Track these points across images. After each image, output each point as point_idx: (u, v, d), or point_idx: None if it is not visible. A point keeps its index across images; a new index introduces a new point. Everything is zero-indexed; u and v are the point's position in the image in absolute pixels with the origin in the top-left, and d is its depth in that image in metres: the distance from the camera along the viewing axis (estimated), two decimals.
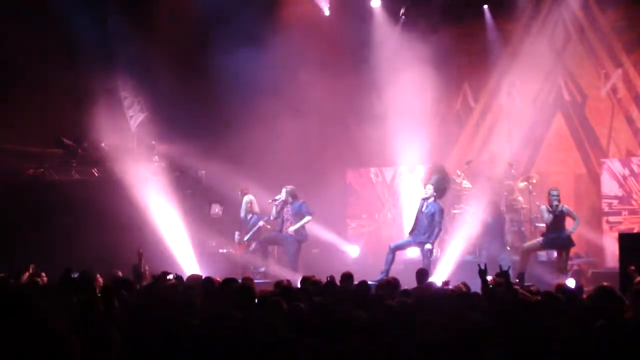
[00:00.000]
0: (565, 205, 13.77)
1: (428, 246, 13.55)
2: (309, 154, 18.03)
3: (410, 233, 14.07)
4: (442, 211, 13.87)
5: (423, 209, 13.81)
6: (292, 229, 14.54)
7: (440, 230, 13.90)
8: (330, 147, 18.83)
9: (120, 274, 11.13)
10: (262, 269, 14.00)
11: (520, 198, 16.25)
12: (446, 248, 14.96)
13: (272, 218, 15.00)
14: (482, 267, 8.52)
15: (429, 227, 13.68)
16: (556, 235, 13.52)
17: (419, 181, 15.88)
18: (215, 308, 7.30)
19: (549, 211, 13.57)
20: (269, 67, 17.63)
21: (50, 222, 15.20)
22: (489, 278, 9.47)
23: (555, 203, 13.57)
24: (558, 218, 13.56)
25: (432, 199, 13.80)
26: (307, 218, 14.68)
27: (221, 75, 17.84)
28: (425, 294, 8.30)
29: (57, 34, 16.92)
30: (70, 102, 16.98)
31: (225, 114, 17.98)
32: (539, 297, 7.91)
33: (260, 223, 15.13)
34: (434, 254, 14.24)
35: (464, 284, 10.16)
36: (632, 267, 10.43)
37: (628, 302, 7.12)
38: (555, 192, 13.68)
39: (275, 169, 16.77)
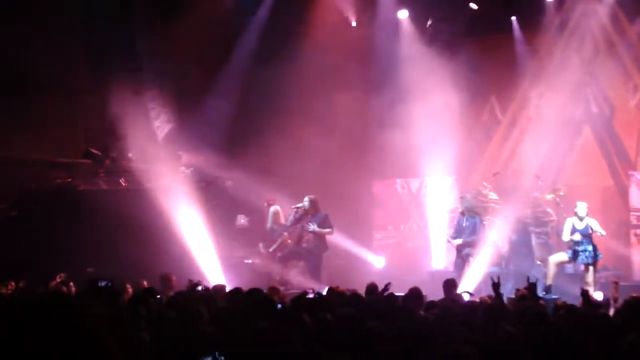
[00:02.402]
0: (594, 220, 13.66)
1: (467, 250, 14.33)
2: (335, 165, 18.01)
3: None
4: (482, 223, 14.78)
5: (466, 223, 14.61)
6: (312, 227, 14.54)
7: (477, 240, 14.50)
8: (356, 158, 18.79)
9: (145, 283, 11.17)
10: (282, 286, 13.90)
11: (548, 210, 16.17)
12: (472, 260, 14.96)
13: (288, 224, 15.01)
14: (496, 280, 8.52)
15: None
16: (583, 249, 13.44)
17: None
18: (239, 318, 7.30)
19: (576, 225, 13.51)
20: (295, 78, 17.65)
21: (78, 232, 15.30)
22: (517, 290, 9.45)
23: (583, 217, 13.52)
24: (583, 232, 13.48)
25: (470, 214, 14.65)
26: (329, 230, 14.72)
27: (248, 87, 17.92)
28: (452, 306, 8.27)
29: (87, 46, 17.06)
30: (98, 113, 17.09)
31: (251, 125, 18.04)
32: (565, 310, 7.86)
33: (285, 234, 15.13)
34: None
35: (490, 297, 10.12)
36: None
37: None
38: (583, 206, 13.62)
39: (301, 180, 16.76)
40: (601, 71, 17.58)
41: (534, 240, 15.96)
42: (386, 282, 10.18)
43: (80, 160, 16.65)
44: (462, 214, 14.69)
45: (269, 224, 15.60)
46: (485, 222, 15.32)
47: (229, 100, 17.91)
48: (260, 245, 15.47)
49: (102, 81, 17.14)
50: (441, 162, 17.57)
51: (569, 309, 8.10)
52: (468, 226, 14.38)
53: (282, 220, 15.50)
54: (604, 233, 13.57)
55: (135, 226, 14.77)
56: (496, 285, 8.54)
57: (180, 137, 17.71)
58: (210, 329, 6.75)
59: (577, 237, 13.49)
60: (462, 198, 14.94)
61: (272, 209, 15.68)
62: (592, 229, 13.48)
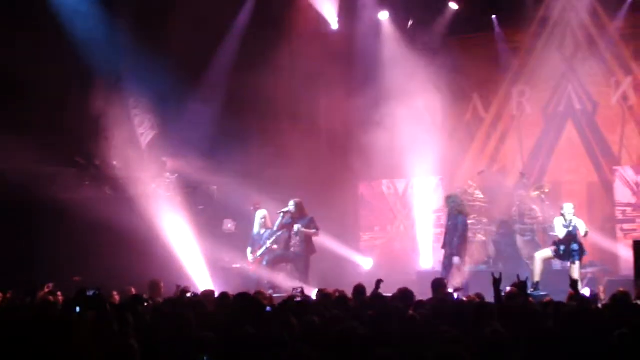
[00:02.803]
0: (580, 220, 13.66)
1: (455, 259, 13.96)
2: (321, 167, 18.02)
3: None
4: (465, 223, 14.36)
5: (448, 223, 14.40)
6: (297, 227, 14.54)
7: (459, 239, 14.15)
8: (341, 160, 18.80)
9: (133, 290, 11.15)
10: (270, 290, 13.81)
11: (534, 207, 16.20)
12: (457, 259, 15.04)
13: (274, 229, 15.02)
14: (497, 276, 8.49)
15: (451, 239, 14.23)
16: (568, 247, 13.46)
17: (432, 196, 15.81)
18: (228, 323, 7.29)
19: (564, 225, 13.52)
20: (278, 81, 17.66)
21: (64, 241, 15.26)
22: (507, 289, 9.46)
23: (570, 219, 13.51)
24: (571, 232, 13.50)
25: (454, 213, 14.30)
26: (314, 231, 14.71)
27: (231, 91, 17.91)
28: (440, 305, 8.28)
29: (68, 53, 16.98)
30: (81, 120, 17.03)
31: (235, 129, 18.00)
32: (553, 306, 7.89)
33: (268, 243, 15.11)
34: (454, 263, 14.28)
35: (477, 295, 10.14)
36: None
37: None
38: (570, 207, 13.60)
39: (287, 183, 16.76)
40: (583, 68, 17.64)
41: (520, 238, 16.01)
42: (375, 282, 10.19)
43: (65, 168, 16.58)
44: (449, 214, 14.63)
45: (256, 228, 15.57)
46: (469, 221, 15.33)
47: (212, 105, 17.88)
48: (248, 249, 15.43)
49: (86, 89, 17.10)
50: (426, 162, 17.59)
51: (557, 305, 8.12)
52: (451, 225, 14.32)
53: (270, 224, 15.48)
54: (583, 234, 13.56)
55: (121, 234, 14.74)
56: (497, 282, 8.48)
57: (165, 143, 17.68)
58: (199, 334, 6.75)
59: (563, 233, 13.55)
60: (448, 198, 14.89)
61: (258, 213, 15.65)
62: (577, 229, 13.52)
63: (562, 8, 17.73)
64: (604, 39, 17.45)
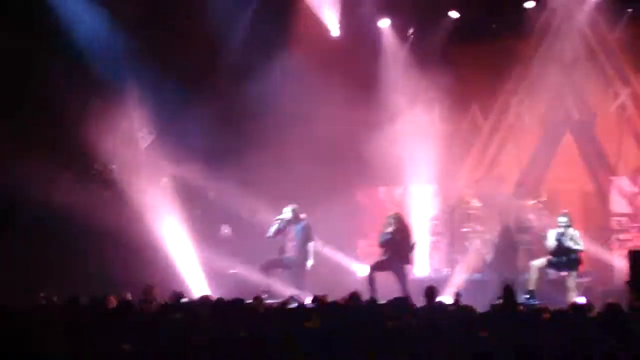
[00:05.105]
0: (575, 233, 13.59)
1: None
2: (318, 173, 18.01)
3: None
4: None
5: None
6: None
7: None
8: (338, 166, 18.78)
9: (129, 295, 11.16)
10: (265, 294, 13.72)
11: (531, 216, 16.21)
12: (455, 267, 15.04)
13: (270, 235, 14.98)
14: (509, 284, 8.34)
15: None
16: (563, 257, 13.45)
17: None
18: (223, 328, 7.32)
19: (556, 237, 13.49)
20: (277, 87, 17.70)
21: (60, 244, 15.28)
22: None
23: (561, 231, 13.49)
24: (562, 244, 13.47)
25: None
26: (311, 243, 14.76)
27: (230, 97, 17.93)
28: (433, 314, 8.30)
29: (67, 56, 17.01)
30: (79, 124, 17.05)
31: (233, 135, 18.03)
32: (548, 315, 7.92)
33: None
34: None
35: (466, 304, 10.16)
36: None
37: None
38: (563, 220, 13.56)
39: (284, 189, 16.77)
40: (581, 78, 17.63)
41: (516, 247, 16.00)
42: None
43: (62, 172, 16.59)
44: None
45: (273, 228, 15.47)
46: (464, 229, 15.37)
47: (212, 110, 17.90)
48: None
49: (84, 93, 17.10)
50: (423, 169, 17.61)
51: (550, 313, 8.14)
52: (400, 238, 14.48)
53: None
54: (579, 248, 13.53)
55: (118, 238, 14.77)
56: (509, 289, 8.30)
57: (163, 148, 17.69)
58: (194, 339, 6.78)
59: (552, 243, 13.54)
60: (388, 217, 15.01)
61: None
62: (570, 241, 13.47)
63: (563, 18, 17.74)
64: (603, 49, 17.50)
